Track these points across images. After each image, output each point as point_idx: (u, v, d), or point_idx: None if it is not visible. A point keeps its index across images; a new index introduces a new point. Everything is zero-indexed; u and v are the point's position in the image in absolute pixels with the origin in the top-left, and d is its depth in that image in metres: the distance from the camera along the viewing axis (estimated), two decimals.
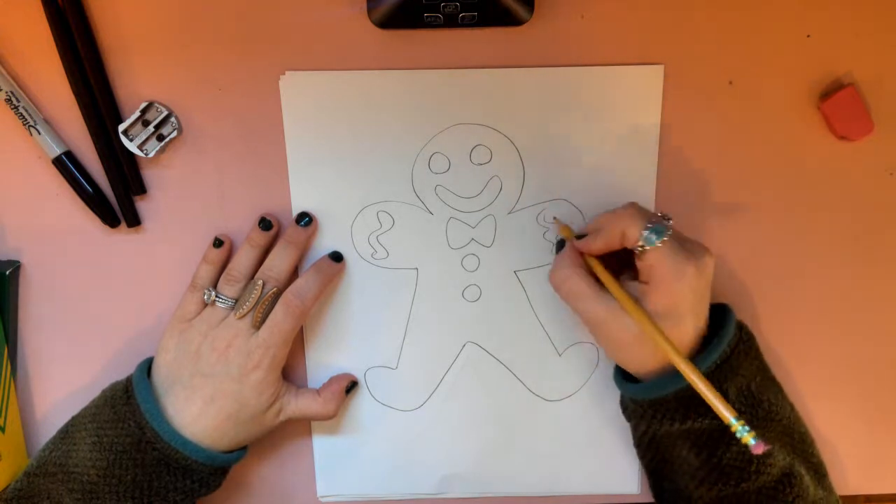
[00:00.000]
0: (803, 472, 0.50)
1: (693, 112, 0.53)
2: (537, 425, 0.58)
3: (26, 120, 0.51)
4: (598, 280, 0.50)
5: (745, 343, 0.50)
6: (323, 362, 0.57)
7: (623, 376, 0.52)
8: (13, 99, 0.51)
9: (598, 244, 0.50)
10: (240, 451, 0.53)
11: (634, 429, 0.52)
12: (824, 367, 0.57)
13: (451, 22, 0.50)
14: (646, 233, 0.47)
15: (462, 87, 0.52)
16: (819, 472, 0.52)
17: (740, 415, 0.45)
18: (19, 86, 0.52)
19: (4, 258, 0.55)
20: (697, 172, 0.54)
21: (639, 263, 0.48)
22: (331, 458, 0.59)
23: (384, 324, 0.56)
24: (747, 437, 0.43)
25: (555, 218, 0.55)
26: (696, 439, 0.48)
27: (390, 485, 0.59)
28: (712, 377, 0.47)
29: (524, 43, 0.52)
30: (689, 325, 0.47)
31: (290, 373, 0.57)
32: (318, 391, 0.55)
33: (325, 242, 0.55)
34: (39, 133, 0.52)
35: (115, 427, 0.49)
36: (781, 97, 0.53)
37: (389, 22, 0.50)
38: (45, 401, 0.57)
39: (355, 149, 0.53)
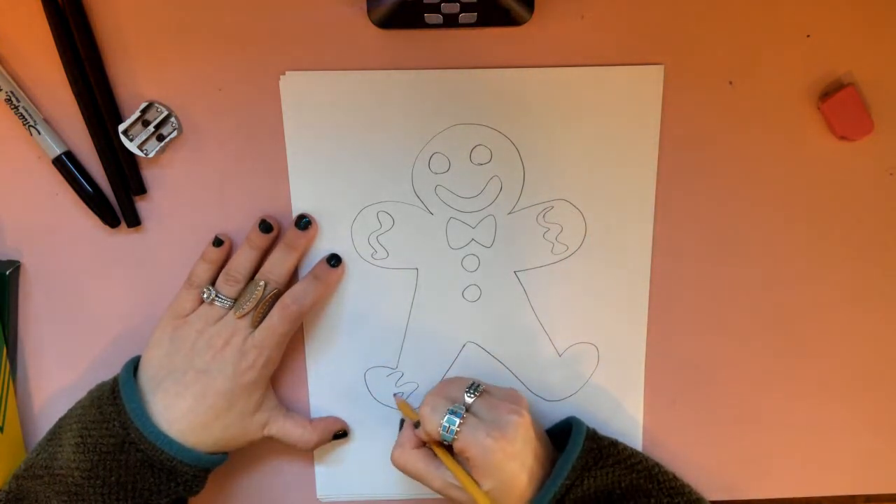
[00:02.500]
0: None
1: (693, 112, 0.53)
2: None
3: (26, 120, 0.51)
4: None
5: (594, 454, 0.51)
6: (323, 362, 0.57)
7: None
8: (13, 99, 0.51)
9: (423, 437, 0.52)
10: (222, 455, 0.53)
11: None
12: (824, 366, 0.58)
13: (451, 22, 0.50)
14: (443, 425, 0.49)
15: (462, 87, 0.52)
16: None
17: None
18: (19, 86, 0.52)
19: (4, 258, 0.55)
20: (697, 172, 0.54)
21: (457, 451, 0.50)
22: (330, 458, 0.59)
23: (384, 324, 0.56)
24: None
25: (395, 395, 0.57)
26: None
27: (390, 485, 0.59)
28: (576, 483, 0.50)
29: (524, 43, 0.52)
30: (523, 478, 0.49)
31: (290, 372, 0.57)
32: (308, 420, 0.56)
33: (325, 242, 0.55)
34: (39, 133, 0.52)
35: (100, 428, 0.49)
36: (781, 97, 0.53)
37: (389, 22, 0.50)
38: (44, 401, 0.57)
39: (355, 149, 0.53)
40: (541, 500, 0.49)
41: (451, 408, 0.50)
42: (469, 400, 0.50)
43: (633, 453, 0.53)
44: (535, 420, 0.52)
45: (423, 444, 0.52)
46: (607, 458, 0.52)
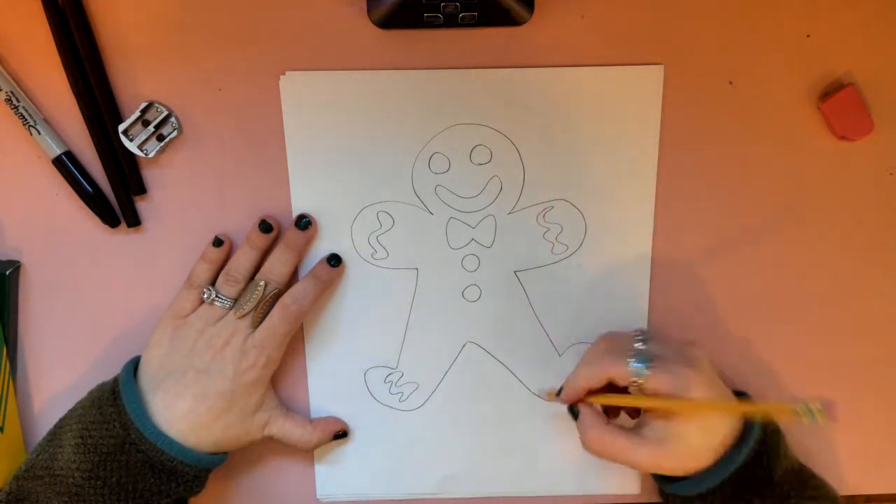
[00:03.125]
0: None
1: (693, 112, 0.53)
2: (537, 425, 0.58)
3: (26, 120, 0.51)
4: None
5: (774, 426, 0.50)
6: (323, 362, 0.57)
7: (662, 476, 0.52)
8: (13, 99, 0.51)
9: (576, 393, 0.51)
10: (222, 455, 0.53)
11: None
12: (823, 366, 0.57)
13: (451, 22, 0.50)
14: (633, 369, 0.48)
15: (462, 87, 0.52)
16: None
17: (790, 494, 0.47)
18: (19, 86, 0.52)
19: (4, 258, 0.55)
20: (697, 172, 0.54)
21: (642, 395, 0.49)
22: (330, 458, 0.59)
23: (384, 324, 0.56)
24: (815, 408, 0.41)
25: (544, 392, 0.56)
26: None
27: (390, 485, 0.59)
28: (757, 459, 0.48)
29: (524, 43, 0.52)
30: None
31: (290, 372, 0.57)
32: (308, 420, 0.56)
33: (325, 242, 0.55)
34: (39, 133, 0.52)
35: (100, 429, 0.49)
36: (781, 97, 0.53)
37: (389, 22, 0.50)
38: (45, 401, 0.57)
39: (355, 149, 0.53)
40: (751, 432, 0.48)
41: (633, 349, 0.48)
42: (642, 347, 0.49)
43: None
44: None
45: (608, 421, 0.50)
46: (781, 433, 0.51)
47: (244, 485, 0.59)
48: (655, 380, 0.48)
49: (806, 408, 0.41)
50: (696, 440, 0.48)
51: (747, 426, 0.49)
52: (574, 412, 0.52)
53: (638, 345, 0.49)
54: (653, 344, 0.50)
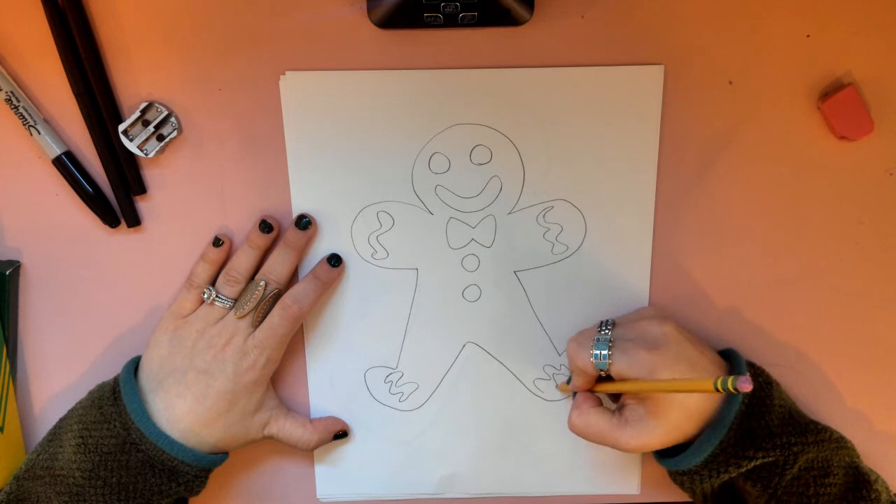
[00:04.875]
0: (872, 478, 0.51)
1: (693, 112, 0.53)
2: (537, 425, 0.58)
3: (26, 120, 0.51)
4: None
5: (764, 377, 0.51)
6: (323, 362, 0.57)
7: (660, 454, 0.53)
8: (13, 99, 0.51)
9: (580, 384, 0.52)
10: (223, 454, 0.53)
11: (693, 493, 0.52)
12: (823, 366, 0.57)
13: (451, 22, 0.50)
14: (594, 355, 0.49)
15: (462, 87, 0.52)
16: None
17: (791, 442, 0.47)
18: (19, 86, 0.52)
19: (4, 258, 0.55)
20: (697, 172, 0.54)
21: (617, 381, 0.50)
22: (330, 458, 0.59)
23: (384, 324, 0.56)
24: (729, 381, 0.41)
25: (558, 387, 0.57)
26: (756, 477, 0.49)
27: (390, 485, 0.59)
28: (748, 415, 0.48)
29: (524, 43, 0.52)
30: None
31: (290, 372, 0.57)
32: (308, 420, 0.56)
33: (326, 242, 0.55)
34: (39, 133, 0.52)
35: (101, 429, 0.49)
36: (781, 97, 0.53)
37: (389, 22, 0.50)
38: (45, 401, 0.57)
39: (355, 149, 0.53)
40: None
41: (595, 337, 0.50)
42: (607, 333, 0.50)
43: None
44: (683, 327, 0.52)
45: (599, 404, 0.52)
46: (773, 383, 0.51)
47: (244, 485, 0.59)
48: (617, 366, 0.49)
49: (724, 382, 0.41)
50: (674, 414, 0.48)
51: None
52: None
53: (601, 334, 0.50)
54: (618, 330, 0.51)
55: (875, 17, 0.52)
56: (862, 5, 0.51)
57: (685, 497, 0.59)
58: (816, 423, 0.51)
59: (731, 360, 0.52)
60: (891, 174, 0.54)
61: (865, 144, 0.54)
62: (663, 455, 0.52)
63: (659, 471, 0.59)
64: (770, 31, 0.52)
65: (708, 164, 0.54)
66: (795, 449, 0.49)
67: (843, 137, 0.53)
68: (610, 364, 0.49)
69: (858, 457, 0.52)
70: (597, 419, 0.50)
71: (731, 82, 0.53)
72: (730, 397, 0.49)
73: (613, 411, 0.51)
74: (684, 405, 0.48)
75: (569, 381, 0.55)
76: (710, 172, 0.54)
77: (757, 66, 0.52)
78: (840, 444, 0.51)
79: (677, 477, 0.52)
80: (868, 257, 0.56)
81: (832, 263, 0.56)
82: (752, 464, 0.48)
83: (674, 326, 0.50)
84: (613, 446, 0.50)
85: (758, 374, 0.51)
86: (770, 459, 0.48)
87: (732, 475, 0.49)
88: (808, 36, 0.52)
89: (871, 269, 0.56)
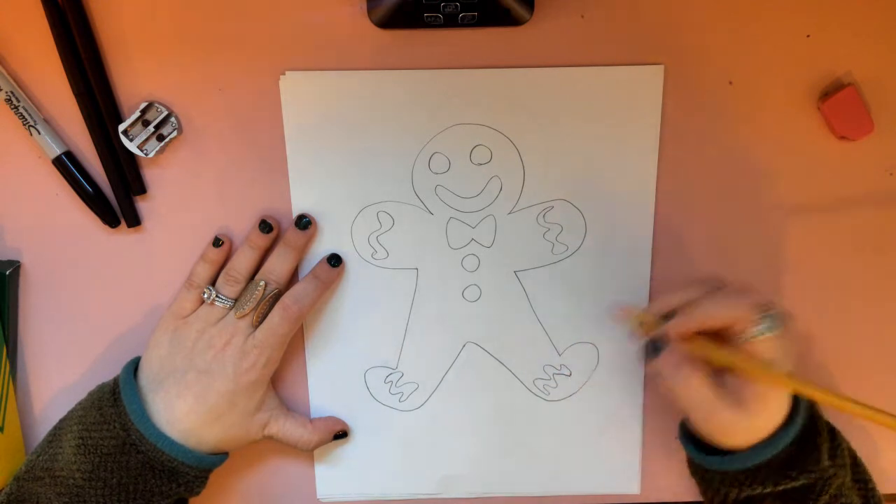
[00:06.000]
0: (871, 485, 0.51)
1: (693, 112, 0.53)
2: (537, 425, 0.58)
3: (26, 120, 0.51)
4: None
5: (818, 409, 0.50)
6: (323, 362, 0.57)
7: (696, 446, 0.51)
8: (13, 99, 0.51)
9: (692, 325, 0.47)
10: (223, 455, 0.53)
11: (714, 493, 0.50)
12: (823, 365, 0.57)
13: (451, 22, 0.50)
14: (762, 325, 0.46)
15: (462, 87, 0.52)
16: None
17: (835, 458, 0.48)
18: (19, 86, 0.52)
19: (4, 258, 0.55)
20: (697, 172, 0.54)
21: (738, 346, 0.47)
22: (330, 458, 0.59)
23: (384, 324, 0.56)
24: None
25: (619, 309, 0.54)
26: (785, 499, 0.48)
27: (390, 485, 0.59)
28: (803, 436, 0.48)
29: (524, 43, 0.52)
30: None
31: (290, 372, 0.57)
32: (308, 420, 0.56)
33: (325, 242, 0.55)
34: (39, 133, 0.52)
35: (100, 429, 0.49)
36: (781, 97, 0.53)
37: (389, 22, 0.50)
38: (45, 401, 0.57)
39: (355, 149, 0.53)
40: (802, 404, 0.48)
41: (766, 314, 0.46)
42: (778, 313, 0.47)
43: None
44: None
45: (694, 362, 0.48)
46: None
47: (244, 485, 0.59)
48: (767, 344, 0.46)
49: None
50: (773, 407, 0.47)
51: (794, 405, 0.48)
52: (657, 347, 0.50)
53: (771, 309, 0.47)
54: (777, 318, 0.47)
55: (875, 17, 0.52)
56: (862, 5, 0.51)
57: (685, 497, 0.60)
58: (843, 441, 0.50)
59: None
60: (891, 174, 0.54)
61: (865, 144, 0.54)
62: (700, 449, 0.51)
63: (659, 471, 0.59)
64: (770, 31, 0.52)
65: (708, 164, 0.54)
66: (831, 472, 0.48)
67: (843, 137, 0.53)
68: (769, 338, 0.45)
69: (869, 479, 0.52)
70: (700, 384, 0.47)
71: (731, 82, 0.53)
72: (792, 417, 0.48)
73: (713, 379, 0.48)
74: (782, 405, 0.47)
75: (650, 347, 0.50)
76: (710, 172, 0.54)
77: (757, 66, 0.52)
78: (855, 463, 0.51)
79: (705, 474, 0.50)
80: (868, 257, 0.56)
81: (832, 263, 0.56)
82: (791, 485, 0.47)
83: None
84: (702, 416, 0.47)
85: (813, 403, 0.50)
86: (808, 483, 0.47)
87: (768, 490, 0.48)
88: (808, 36, 0.52)
89: (871, 269, 0.56)
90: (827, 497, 0.48)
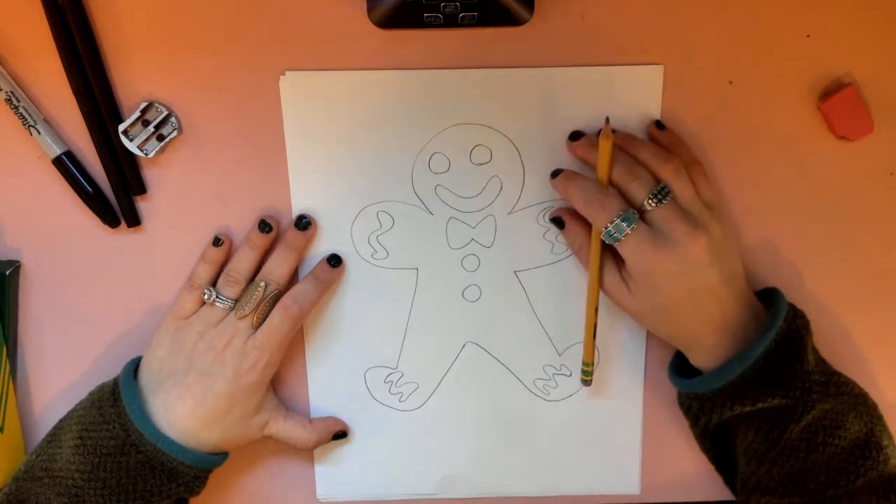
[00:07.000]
0: (885, 442, 0.49)
1: (693, 112, 0.53)
2: (537, 425, 0.58)
3: (26, 120, 0.51)
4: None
5: (802, 321, 0.49)
6: (323, 362, 0.57)
7: (679, 373, 0.53)
8: (13, 99, 0.51)
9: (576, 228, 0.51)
10: (223, 455, 0.53)
11: (696, 421, 0.52)
12: None
13: (451, 22, 0.50)
14: (608, 230, 0.47)
15: (462, 87, 0.52)
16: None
17: (812, 388, 0.46)
18: (19, 86, 0.52)
19: (4, 258, 0.55)
20: None
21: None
22: (330, 458, 0.59)
23: (384, 324, 0.56)
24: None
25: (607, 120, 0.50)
26: (763, 420, 0.48)
27: (390, 485, 0.59)
28: (776, 353, 0.47)
29: (524, 43, 0.52)
30: (707, 306, 0.48)
31: (290, 372, 0.57)
32: (308, 420, 0.56)
33: (326, 242, 0.55)
34: (39, 133, 0.52)
35: (100, 430, 0.49)
36: (781, 97, 0.53)
37: (389, 22, 0.50)
38: (45, 401, 0.57)
39: (355, 149, 0.53)
40: (759, 343, 0.47)
41: (624, 213, 0.47)
42: (650, 206, 0.47)
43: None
44: (728, 252, 0.49)
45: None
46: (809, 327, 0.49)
47: (244, 485, 0.59)
48: (626, 247, 0.47)
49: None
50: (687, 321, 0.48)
51: (774, 313, 0.48)
52: (560, 222, 0.53)
53: (649, 202, 0.46)
54: (660, 209, 0.47)
55: (875, 17, 0.52)
56: (862, 5, 0.51)
57: (685, 497, 0.60)
58: (840, 376, 0.50)
59: (772, 299, 0.51)
60: (891, 174, 0.54)
61: (865, 144, 0.54)
62: (680, 374, 0.53)
63: (659, 471, 0.59)
64: (770, 31, 0.52)
65: (708, 164, 0.54)
66: (815, 396, 0.47)
67: (843, 137, 0.53)
68: (622, 240, 0.47)
69: (880, 420, 0.50)
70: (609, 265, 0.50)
71: (731, 82, 0.53)
72: (763, 332, 0.47)
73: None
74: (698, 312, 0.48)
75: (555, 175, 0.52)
76: (709, 172, 0.54)
77: (757, 66, 0.52)
78: (860, 401, 0.50)
79: (686, 400, 0.52)
80: (868, 258, 0.56)
81: (832, 264, 0.56)
82: (768, 403, 0.47)
83: (705, 248, 0.47)
84: (609, 294, 0.51)
85: (797, 316, 0.49)
86: (787, 402, 0.47)
87: (746, 409, 0.48)
88: (808, 36, 0.52)
89: (870, 270, 0.56)
90: (809, 418, 0.47)
